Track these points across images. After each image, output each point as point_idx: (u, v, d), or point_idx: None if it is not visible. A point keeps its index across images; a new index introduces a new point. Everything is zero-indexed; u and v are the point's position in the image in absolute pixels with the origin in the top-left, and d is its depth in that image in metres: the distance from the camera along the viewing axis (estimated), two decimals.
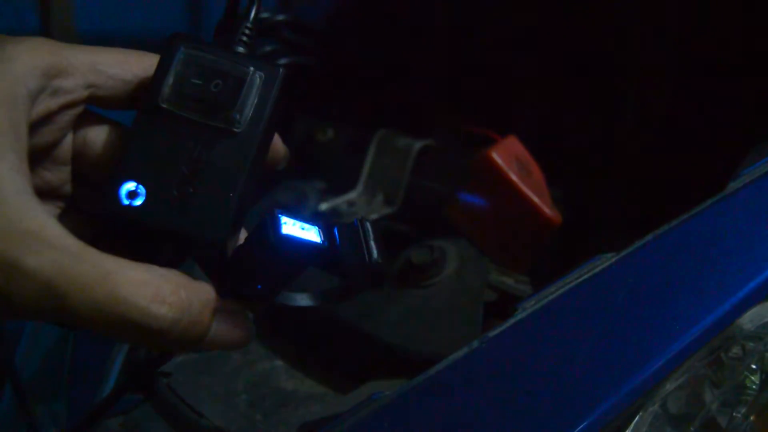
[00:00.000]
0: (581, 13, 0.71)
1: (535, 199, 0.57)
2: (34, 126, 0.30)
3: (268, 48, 0.63)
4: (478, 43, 0.77)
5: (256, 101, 0.32)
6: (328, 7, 0.83)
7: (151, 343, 0.29)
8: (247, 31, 0.34)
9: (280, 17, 0.62)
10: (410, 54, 0.79)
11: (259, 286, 0.33)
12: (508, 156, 0.58)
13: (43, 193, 0.32)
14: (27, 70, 0.29)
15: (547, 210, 0.58)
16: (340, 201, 0.67)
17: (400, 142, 0.68)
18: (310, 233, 0.32)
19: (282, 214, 0.31)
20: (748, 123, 0.58)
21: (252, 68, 0.32)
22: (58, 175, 0.33)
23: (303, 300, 0.36)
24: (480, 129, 0.65)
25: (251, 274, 0.32)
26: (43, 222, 0.27)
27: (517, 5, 0.74)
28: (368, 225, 0.34)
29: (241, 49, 0.34)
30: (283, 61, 0.63)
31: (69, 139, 0.32)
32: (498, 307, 0.55)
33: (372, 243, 0.33)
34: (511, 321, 0.38)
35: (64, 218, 0.33)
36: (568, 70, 0.72)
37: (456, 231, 0.59)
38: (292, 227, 0.31)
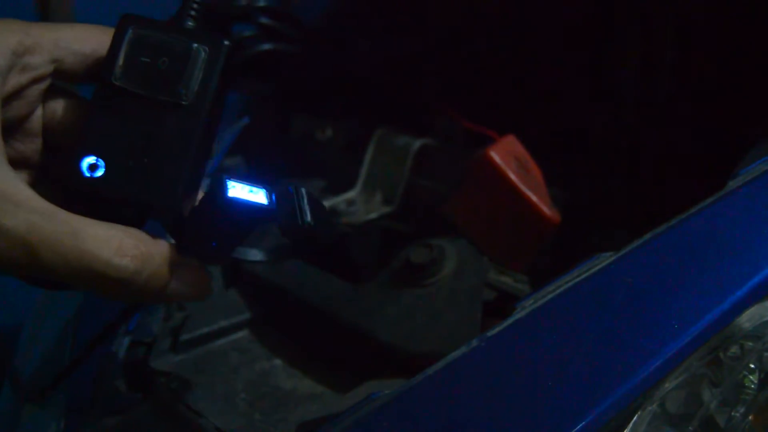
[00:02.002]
0: (581, 11, 0.71)
1: (534, 198, 0.57)
2: (6, 101, 0.33)
3: (246, 33, 0.63)
4: (479, 41, 0.76)
5: (201, 75, 0.34)
6: (327, 3, 0.83)
7: (117, 293, 0.33)
8: (195, 5, 0.36)
9: (261, 3, 0.62)
10: (409, 52, 0.79)
11: (214, 244, 0.36)
12: (507, 155, 0.58)
13: (17, 163, 0.35)
14: None
15: (546, 209, 0.58)
16: (339, 200, 0.67)
17: (398, 140, 0.68)
18: (258, 195, 0.34)
19: (229, 179, 0.33)
20: (746, 122, 0.58)
21: (195, 44, 0.34)
22: (30, 146, 0.36)
23: (256, 255, 0.39)
24: (479, 128, 0.65)
25: (205, 233, 0.35)
26: (16, 187, 0.31)
27: (516, 3, 0.74)
28: (303, 191, 0.37)
29: (190, 23, 0.36)
30: (265, 47, 0.64)
31: (39, 112, 0.35)
32: (497, 306, 0.54)
33: (306, 207, 0.36)
34: (510, 320, 0.38)
35: (36, 185, 0.35)
36: (568, 69, 0.72)
37: (455, 230, 0.59)
38: (240, 191, 0.34)
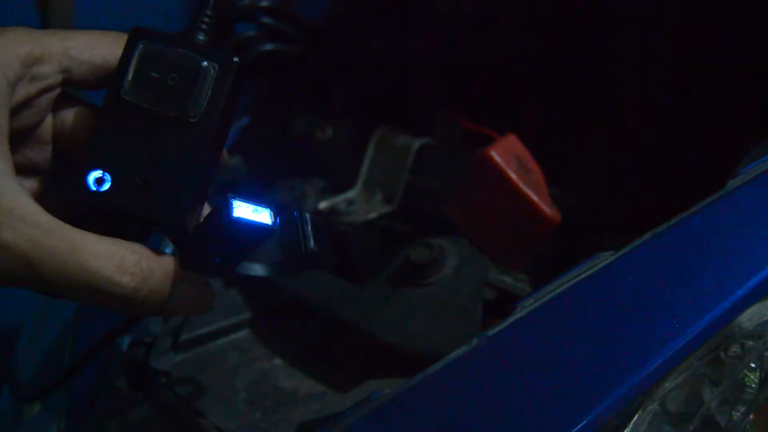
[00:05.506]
0: (582, 10, 0.71)
1: (535, 197, 0.57)
2: (16, 110, 0.33)
3: (249, 33, 0.63)
4: (478, 41, 0.76)
5: (210, 93, 0.34)
6: (328, 3, 0.83)
7: (118, 308, 0.33)
8: (206, 19, 0.36)
9: (263, 3, 0.62)
10: (410, 51, 0.79)
11: (218, 260, 0.36)
12: (508, 155, 0.58)
13: (28, 170, 0.35)
14: (6, 60, 0.31)
15: (547, 209, 0.58)
16: (339, 200, 0.67)
17: (399, 140, 0.68)
18: (263, 215, 0.34)
19: (234, 198, 0.33)
20: (747, 121, 0.58)
21: (206, 62, 0.34)
22: (41, 154, 0.36)
23: (259, 270, 0.39)
24: (479, 127, 0.65)
25: (209, 249, 0.35)
26: (20, 201, 0.30)
27: (517, 2, 0.74)
28: (307, 216, 0.37)
29: (201, 37, 0.36)
30: (267, 47, 0.63)
31: (49, 120, 0.35)
32: (497, 305, 0.54)
33: (309, 232, 0.37)
34: (511, 319, 0.38)
35: (46, 193, 0.36)
36: (568, 68, 0.72)
37: (455, 229, 0.59)
38: (244, 210, 0.33)
